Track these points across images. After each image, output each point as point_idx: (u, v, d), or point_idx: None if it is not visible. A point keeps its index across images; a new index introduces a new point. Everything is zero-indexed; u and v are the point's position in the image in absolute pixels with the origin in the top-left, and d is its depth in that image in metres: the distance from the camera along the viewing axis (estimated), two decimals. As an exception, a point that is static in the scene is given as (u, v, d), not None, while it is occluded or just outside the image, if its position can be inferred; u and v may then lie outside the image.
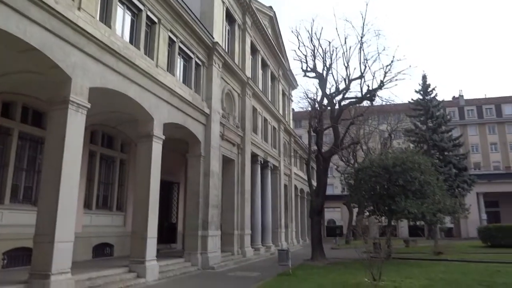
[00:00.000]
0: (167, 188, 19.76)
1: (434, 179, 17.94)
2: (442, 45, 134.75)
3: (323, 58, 20.25)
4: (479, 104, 63.43)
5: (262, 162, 23.58)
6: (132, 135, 15.15)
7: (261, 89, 23.96)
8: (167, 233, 19.51)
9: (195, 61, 15.95)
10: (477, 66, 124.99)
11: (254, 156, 21.97)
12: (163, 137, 12.66)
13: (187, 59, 15.62)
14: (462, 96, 65.49)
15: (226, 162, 18.58)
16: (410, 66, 43.24)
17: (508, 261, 16.92)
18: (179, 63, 14.96)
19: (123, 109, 12.41)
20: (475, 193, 39.71)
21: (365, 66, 19.93)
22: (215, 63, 16.85)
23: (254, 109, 22.68)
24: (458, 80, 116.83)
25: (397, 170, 16.87)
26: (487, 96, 66.43)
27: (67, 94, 8.67)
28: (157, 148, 12.31)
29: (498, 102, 62.72)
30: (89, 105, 9.19)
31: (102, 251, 14.52)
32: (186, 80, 15.43)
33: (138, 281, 10.96)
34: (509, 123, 61.25)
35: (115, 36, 10.69)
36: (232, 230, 18.42)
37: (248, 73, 21.43)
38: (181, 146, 16.33)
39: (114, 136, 15.99)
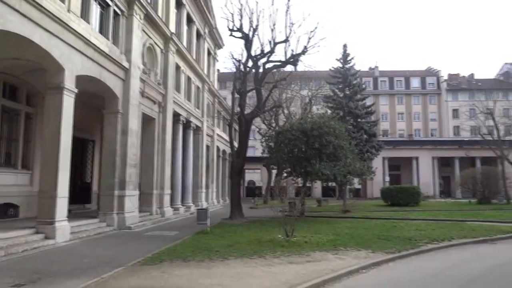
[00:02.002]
0: (81, 146, 18.64)
1: (347, 144, 19.24)
2: (363, 17, 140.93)
3: (250, 18, 19.98)
4: (391, 76, 68.49)
5: (185, 122, 23.17)
6: (40, 87, 13.80)
7: (185, 46, 23.08)
8: (80, 193, 18.63)
9: (114, 10, 14.74)
10: (392, 40, 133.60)
11: (176, 116, 21.45)
12: (76, 90, 11.73)
13: (104, 6, 14.35)
14: (377, 67, 70.31)
15: (147, 120, 17.91)
16: (334, 35, 44.67)
17: (403, 217, 19.16)
18: (95, 10, 13.72)
19: (29, 56, 11.16)
20: (381, 157, 43.70)
21: (291, 30, 20.25)
22: (136, 13, 15.74)
23: (178, 67, 21.90)
24: (375, 52, 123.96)
25: (314, 134, 17.71)
26: (398, 69, 71.80)
27: (-44, 34, 7.54)
28: (68, 102, 11.40)
29: (408, 75, 68.33)
30: (-15, 49, 8.11)
31: (5, 212, 13.41)
32: (103, 30, 14.25)
33: (47, 242, 10.38)
34: (415, 95, 67.43)
35: (17, -29, 9.38)
36: (151, 189, 18.12)
37: (172, 28, 20.44)
38: (97, 102, 15.33)
39: (19, 87, 14.42)
